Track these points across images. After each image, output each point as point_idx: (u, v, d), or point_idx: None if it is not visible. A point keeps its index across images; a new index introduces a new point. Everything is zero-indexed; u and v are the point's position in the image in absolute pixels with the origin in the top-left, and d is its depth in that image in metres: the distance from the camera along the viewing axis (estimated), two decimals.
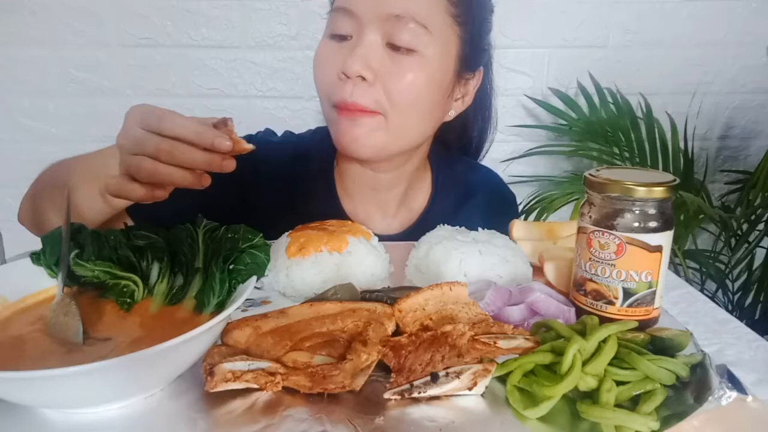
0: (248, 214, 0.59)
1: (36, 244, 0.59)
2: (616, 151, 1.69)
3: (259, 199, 0.88)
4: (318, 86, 0.81)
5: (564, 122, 1.72)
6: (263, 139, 0.97)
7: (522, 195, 1.62)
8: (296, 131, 1.02)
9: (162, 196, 0.58)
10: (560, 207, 1.53)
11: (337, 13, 0.77)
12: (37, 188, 0.80)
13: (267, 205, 0.87)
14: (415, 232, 0.83)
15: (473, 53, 0.83)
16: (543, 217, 1.51)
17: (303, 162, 0.92)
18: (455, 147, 1.00)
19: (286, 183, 0.92)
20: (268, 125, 1.02)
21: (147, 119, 0.54)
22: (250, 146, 0.56)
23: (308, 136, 0.98)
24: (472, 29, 0.81)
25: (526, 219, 1.57)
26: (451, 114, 0.87)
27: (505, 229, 0.77)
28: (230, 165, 0.55)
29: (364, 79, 0.74)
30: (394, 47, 0.75)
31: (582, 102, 1.71)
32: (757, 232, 1.70)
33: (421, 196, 0.97)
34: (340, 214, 0.91)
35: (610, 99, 1.67)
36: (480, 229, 0.74)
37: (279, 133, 1.01)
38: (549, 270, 0.67)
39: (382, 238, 0.76)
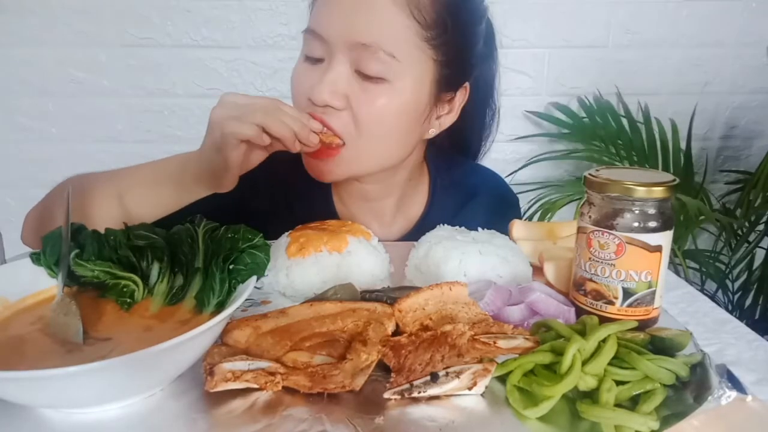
0: (247, 220, 0.60)
1: None
2: (616, 152, 1.69)
3: (256, 207, 0.87)
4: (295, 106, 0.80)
5: (565, 130, 1.72)
6: None
7: (523, 200, 1.61)
8: None
9: (277, 148, 0.70)
10: (561, 207, 1.53)
11: (309, 35, 0.75)
12: (53, 200, 0.78)
13: (264, 213, 0.85)
14: (413, 237, 0.82)
15: (454, 72, 0.79)
16: (547, 218, 1.51)
17: (300, 169, 0.90)
18: (452, 150, 0.99)
19: (283, 190, 0.91)
20: None
21: (256, 99, 0.68)
22: (339, 141, 0.73)
23: None
24: (451, 49, 0.76)
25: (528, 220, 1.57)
26: (432, 132, 0.84)
27: (507, 231, 0.77)
28: (314, 138, 0.70)
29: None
30: (363, 75, 0.73)
31: (582, 113, 1.71)
32: (757, 232, 1.70)
33: (418, 202, 0.95)
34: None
35: (608, 111, 1.68)
36: (480, 229, 0.74)
37: None
38: (549, 270, 0.67)
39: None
